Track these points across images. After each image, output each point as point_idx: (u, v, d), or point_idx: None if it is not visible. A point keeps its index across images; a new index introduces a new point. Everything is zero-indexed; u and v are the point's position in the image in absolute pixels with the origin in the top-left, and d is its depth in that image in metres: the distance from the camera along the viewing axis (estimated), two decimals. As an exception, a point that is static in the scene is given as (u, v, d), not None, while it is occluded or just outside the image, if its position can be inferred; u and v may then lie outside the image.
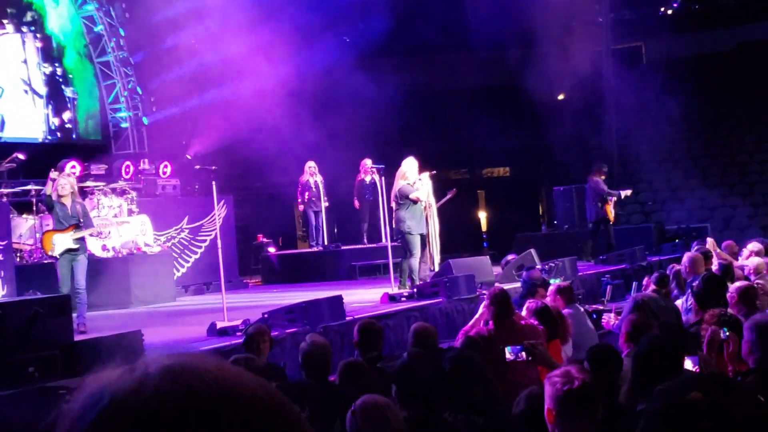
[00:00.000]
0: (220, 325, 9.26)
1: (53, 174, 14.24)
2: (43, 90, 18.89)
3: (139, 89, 19.77)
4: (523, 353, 5.71)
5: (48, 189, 14.10)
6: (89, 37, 19.51)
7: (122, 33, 19.60)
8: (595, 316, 9.77)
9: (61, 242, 10.57)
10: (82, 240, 10.78)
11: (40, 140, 18.65)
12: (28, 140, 18.13)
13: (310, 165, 17.44)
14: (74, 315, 9.89)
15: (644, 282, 10.39)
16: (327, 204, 17.43)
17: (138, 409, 0.89)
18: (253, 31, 18.15)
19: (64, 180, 10.88)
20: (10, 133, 17.95)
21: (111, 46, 19.49)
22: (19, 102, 18.39)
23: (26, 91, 18.57)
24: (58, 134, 19.18)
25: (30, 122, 18.57)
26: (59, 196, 10.67)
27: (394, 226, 12.62)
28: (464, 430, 4.55)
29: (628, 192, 18.04)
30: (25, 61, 18.57)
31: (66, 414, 0.92)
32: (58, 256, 10.62)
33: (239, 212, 18.11)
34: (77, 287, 10.56)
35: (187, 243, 16.00)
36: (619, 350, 6.01)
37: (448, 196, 16.34)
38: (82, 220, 10.75)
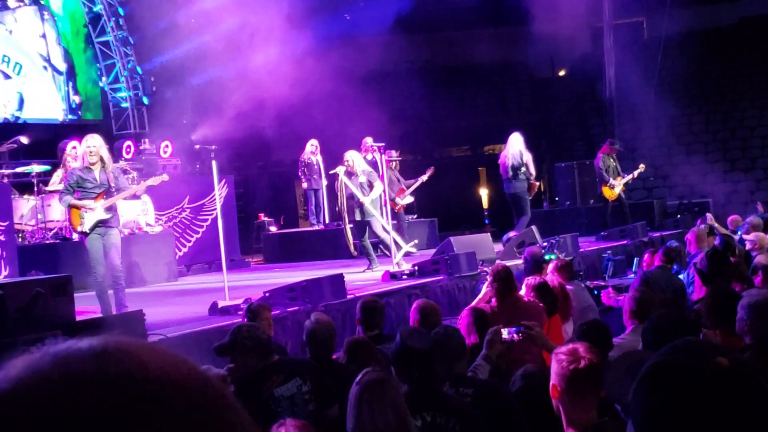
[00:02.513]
0: (221, 304, 9.28)
1: (70, 153, 14.19)
2: (62, 66, 18.87)
3: (139, 69, 19.71)
4: (517, 335, 5.70)
5: (57, 177, 14.08)
6: (88, 17, 19.43)
7: (121, 12, 19.52)
8: (596, 292, 9.79)
9: (91, 215, 9.37)
10: (114, 211, 9.56)
11: (60, 120, 18.65)
12: (48, 121, 18.15)
13: (313, 143, 17.41)
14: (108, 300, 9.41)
15: (645, 257, 10.38)
16: (327, 183, 17.40)
17: (13, 403, 0.83)
18: (253, 8, 18.07)
19: (93, 142, 9.50)
20: (31, 113, 17.93)
21: (110, 26, 19.42)
22: (39, 79, 18.35)
23: (45, 68, 18.52)
24: (80, 113, 19.21)
25: (50, 100, 18.55)
26: (90, 163, 9.39)
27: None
28: (460, 403, 4.57)
29: (640, 169, 18.00)
30: (43, 36, 18.49)
31: None
32: (88, 231, 9.44)
33: (240, 191, 18.09)
34: (114, 270, 9.41)
35: (188, 222, 16.00)
36: (615, 327, 6.02)
37: (428, 173, 16.49)
38: (113, 185, 9.45)
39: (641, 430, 1.54)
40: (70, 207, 9.55)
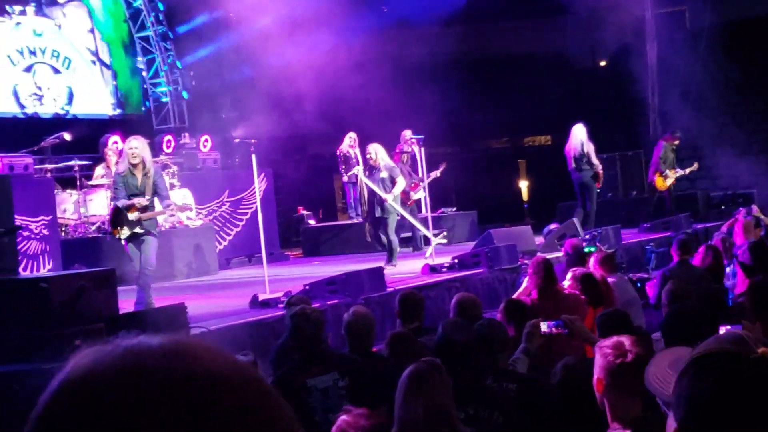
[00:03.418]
0: (262, 297, 9.31)
1: (111, 149, 14.32)
2: (110, 61, 19.19)
3: (178, 63, 19.81)
4: (557, 328, 5.63)
5: (99, 172, 14.20)
6: (128, 13, 19.56)
7: (161, 7, 19.63)
8: (639, 284, 9.67)
9: (126, 229, 9.34)
10: (151, 220, 9.53)
11: (109, 115, 18.90)
12: (97, 116, 18.43)
13: (351, 136, 17.35)
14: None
15: (699, 251, 10.18)
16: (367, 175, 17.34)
17: (84, 390, 0.88)
18: (290, 2, 18.08)
19: (135, 143, 9.34)
20: (80, 107, 18.21)
21: (150, 21, 19.53)
22: (87, 74, 18.60)
23: (93, 62, 18.77)
24: (122, 108, 19.50)
25: (99, 94, 18.80)
26: (132, 165, 9.26)
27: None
28: (503, 396, 4.54)
29: (693, 167, 17.91)
30: (92, 30, 18.76)
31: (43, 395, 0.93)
32: (123, 241, 9.47)
33: (279, 185, 18.13)
34: (144, 266, 9.35)
35: (228, 216, 16.08)
36: (659, 319, 5.95)
37: (441, 168, 16.43)
38: (147, 197, 9.36)
39: (684, 417, 1.52)
40: (112, 210, 9.53)
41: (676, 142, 17.58)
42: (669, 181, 17.25)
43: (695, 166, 17.94)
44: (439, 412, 3.82)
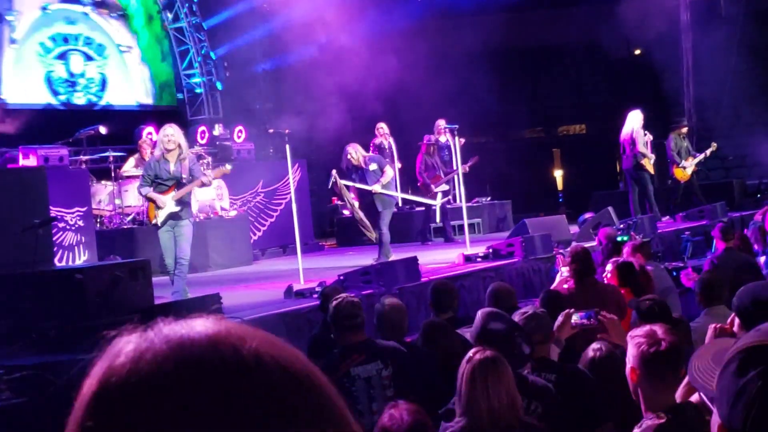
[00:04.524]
0: (296, 287, 9.33)
1: (145, 140, 14.46)
2: (144, 52, 19.45)
3: (212, 54, 19.88)
4: (588, 320, 5.57)
5: (130, 164, 14.35)
6: (162, 4, 19.65)
7: (194, -1, 19.72)
8: (675, 273, 9.60)
9: (163, 210, 9.43)
10: (186, 204, 9.61)
11: (142, 104, 19.05)
12: (131, 107, 18.64)
13: (381, 126, 17.30)
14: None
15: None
16: (400, 166, 17.29)
17: (132, 383, 0.84)
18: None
19: (171, 130, 9.55)
20: (114, 98, 18.37)
21: (184, 12, 19.61)
22: (121, 64, 18.78)
23: (127, 53, 19.01)
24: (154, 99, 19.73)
25: (133, 85, 18.98)
26: (166, 150, 9.42)
27: None
28: (542, 387, 4.52)
29: (712, 148, 17.69)
30: (126, 21, 19.02)
31: (82, 387, 0.88)
32: (160, 225, 9.47)
33: (313, 175, 18.16)
34: (179, 256, 9.41)
35: (262, 207, 16.12)
36: (695, 308, 5.90)
37: (470, 163, 16.33)
38: (185, 177, 9.47)
39: (728, 413, 1.49)
40: (148, 199, 9.67)
41: (684, 130, 17.43)
42: (689, 170, 17.02)
43: (713, 146, 17.68)
44: (508, 402, 3.82)
